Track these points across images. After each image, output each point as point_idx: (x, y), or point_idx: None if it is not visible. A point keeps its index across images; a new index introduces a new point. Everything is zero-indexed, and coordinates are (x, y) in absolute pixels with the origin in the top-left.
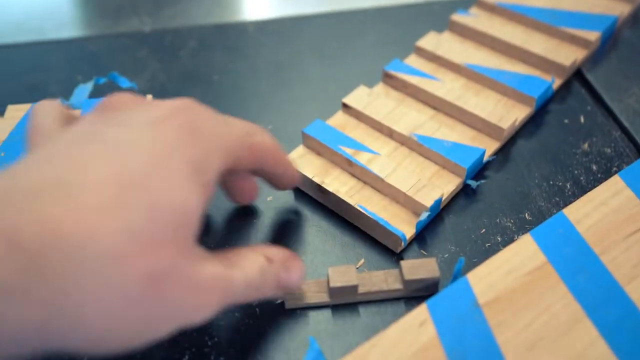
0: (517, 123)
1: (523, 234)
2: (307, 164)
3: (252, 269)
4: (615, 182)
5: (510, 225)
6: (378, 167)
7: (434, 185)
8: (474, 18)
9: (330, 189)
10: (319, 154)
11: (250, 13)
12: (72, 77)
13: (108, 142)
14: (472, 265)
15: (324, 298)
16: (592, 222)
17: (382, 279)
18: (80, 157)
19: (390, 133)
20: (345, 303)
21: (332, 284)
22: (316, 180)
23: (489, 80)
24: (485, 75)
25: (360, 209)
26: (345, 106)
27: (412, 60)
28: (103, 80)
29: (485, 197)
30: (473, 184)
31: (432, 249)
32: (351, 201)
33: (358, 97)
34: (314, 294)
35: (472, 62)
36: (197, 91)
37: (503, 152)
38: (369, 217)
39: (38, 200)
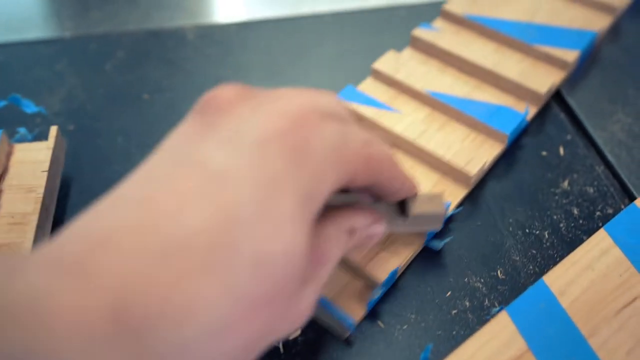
0: (486, 166)
1: (494, 297)
2: None
3: (336, 255)
4: (601, 239)
5: (480, 286)
6: None
7: (391, 253)
8: (437, 33)
9: None
10: None
11: (190, 17)
12: None
13: (208, 168)
14: (437, 344)
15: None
16: (578, 293)
17: (385, 208)
18: (174, 195)
19: None
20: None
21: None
22: None
23: (455, 111)
24: (450, 105)
25: None
26: None
27: (369, 85)
28: (1, 103)
29: (451, 250)
30: (436, 245)
31: (389, 317)
32: None
33: None
34: None
35: (436, 89)
36: (125, 113)
37: (472, 194)
38: None
39: (134, 261)
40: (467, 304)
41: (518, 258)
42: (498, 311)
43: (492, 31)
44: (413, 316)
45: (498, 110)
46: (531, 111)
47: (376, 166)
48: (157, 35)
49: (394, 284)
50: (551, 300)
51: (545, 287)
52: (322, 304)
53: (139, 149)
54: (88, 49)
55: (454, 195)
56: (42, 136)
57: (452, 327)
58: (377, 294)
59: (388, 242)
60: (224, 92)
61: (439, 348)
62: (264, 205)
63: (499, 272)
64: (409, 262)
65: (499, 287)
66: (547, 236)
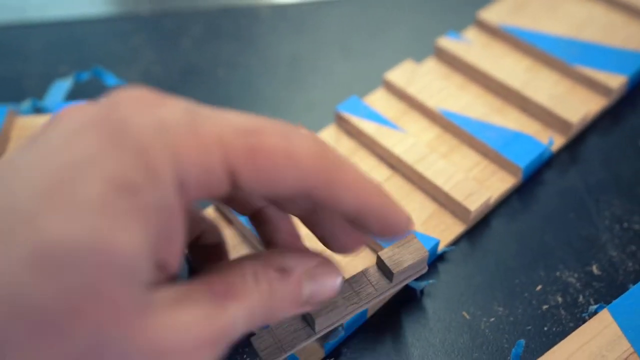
0: (491, 201)
1: (590, 294)
2: None
3: (254, 294)
4: None
5: (574, 281)
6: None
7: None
8: (465, 45)
9: None
10: (230, 221)
11: None
12: (54, 68)
13: (10, 163)
14: (527, 340)
15: (308, 335)
16: None
17: (365, 282)
18: None
19: None
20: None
21: (315, 316)
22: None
23: (467, 135)
24: (463, 128)
25: None
26: None
27: (379, 97)
28: (86, 76)
29: (541, 241)
30: (416, 285)
31: (475, 308)
32: None
33: None
34: (293, 337)
35: (450, 108)
36: (199, 88)
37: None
38: None
39: None
40: (560, 299)
41: (615, 254)
42: (598, 309)
43: (528, 46)
44: (501, 309)
45: (516, 137)
46: (558, 142)
47: (278, 164)
48: (230, 13)
49: (479, 265)
50: None
51: None
52: None
53: None
54: (164, 25)
55: (449, 231)
56: None
57: (543, 323)
58: (337, 336)
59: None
60: (69, 106)
61: (529, 344)
62: (55, 191)
63: (594, 267)
64: (383, 302)
65: (594, 283)
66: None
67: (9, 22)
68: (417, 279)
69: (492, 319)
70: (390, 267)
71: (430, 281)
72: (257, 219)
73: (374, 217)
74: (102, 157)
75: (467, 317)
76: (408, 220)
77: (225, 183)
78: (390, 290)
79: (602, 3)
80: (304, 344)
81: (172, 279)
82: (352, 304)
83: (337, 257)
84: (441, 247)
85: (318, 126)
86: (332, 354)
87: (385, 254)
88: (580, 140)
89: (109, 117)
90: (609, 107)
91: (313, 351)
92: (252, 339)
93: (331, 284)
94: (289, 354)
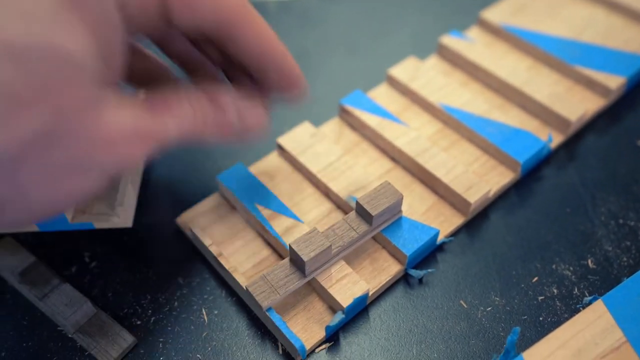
0: (490, 195)
1: (585, 286)
2: (216, 221)
3: (185, 110)
4: None
5: (569, 274)
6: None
7: (363, 276)
8: (468, 43)
9: (227, 265)
10: (234, 207)
11: None
12: None
13: None
14: (523, 329)
15: (298, 278)
16: None
17: (346, 228)
18: None
19: (326, 191)
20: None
21: (305, 258)
22: (213, 250)
23: (468, 130)
24: (464, 123)
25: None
26: (279, 147)
27: (381, 92)
28: None
29: (537, 234)
30: (416, 274)
31: (472, 298)
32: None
33: (296, 139)
34: (286, 281)
35: (452, 104)
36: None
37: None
38: (266, 315)
39: None
40: (555, 291)
41: (611, 248)
42: (592, 300)
43: (529, 46)
44: (497, 299)
45: (516, 134)
46: (557, 139)
47: None
48: None
49: (477, 256)
50: None
51: None
52: (277, 323)
53: None
54: None
55: (448, 223)
56: None
57: (538, 313)
58: (338, 319)
59: (362, 265)
60: None
61: (524, 333)
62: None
63: (589, 261)
64: (383, 289)
65: (589, 276)
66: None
67: None
68: (416, 268)
69: (489, 308)
70: (369, 210)
71: (430, 270)
72: (187, 62)
73: (274, 65)
74: None
75: (465, 305)
76: (301, 76)
77: (159, 11)
78: (371, 233)
79: (602, 6)
80: (296, 285)
81: (116, 85)
82: (338, 247)
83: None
84: (440, 238)
85: (322, 119)
86: (332, 338)
87: (364, 199)
88: (579, 138)
89: None
90: (607, 107)
91: (314, 334)
92: (247, 285)
93: (256, 117)
94: (283, 296)
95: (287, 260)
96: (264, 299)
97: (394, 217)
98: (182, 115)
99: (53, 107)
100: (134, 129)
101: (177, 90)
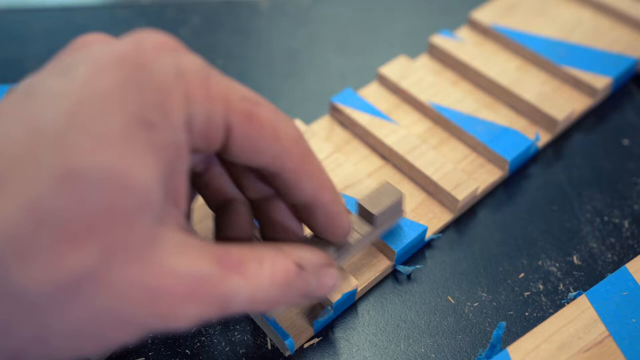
0: (478, 192)
1: (570, 282)
2: (206, 220)
3: (266, 279)
4: None
5: (555, 270)
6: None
7: (348, 272)
8: (458, 43)
9: None
10: None
11: None
12: (52, 53)
13: (34, 91)
14: (509, 324)
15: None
16: None
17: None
18: None
19: None
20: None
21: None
22: None
23: (457, 129)
24: (453, 122)
25: None
26: None
27: (372, 90)
28: None
29: (525, 231)
30: (404, 270)
31: (460, 294)
32: None
33: None
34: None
35: (441, 103)
36: None
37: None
38: None
39: None
40: (541, 286)
41: (595, 245)
42: (576, 296)
43: (518, 46)
44: (484, 294)
45: (504, 132)
46: (544, 138)
47: (265, 134)
48: (231, 5)
49: (465, 253)
50: (635, 289)
51: (629, 275)
52: (266, 319)
53: None
54: (164, 14)
55: (437, 219)
56: None
57: (524, 308)
58: (326, 315)
59: (351, 261)
60: (88, 35)
61: (510, 328)
62: (84, 119)
63: (575, 257)
64: (371, 285)
65: (574, 272)
66: (627, 225)
67: (10, 6)
68: (404, 264)
69: (476, 304)
70: (370, 210)
71: (418, 266)
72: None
73: (324, 211)
74: (126, 92)
75: (452, 301)
76: (349, 227)
77: (220, 137)
78: (373, 234)
79: (590, 7)
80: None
81: (181, 221)
82: (343, 252)
83: None
84: (429, 235)
85: (313, 116)
86: (321, 333)
87: (364, 199)
88: (566, 137)
89: (134, 56)
90: (593, 106)
91: (303, 329)
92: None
93: (331, 284)
94: (287, 307)
95: None
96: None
97: (396, 216)
98: (257, 282)
99: (105, 245)
100: (192, 281)
101: (261, 249)
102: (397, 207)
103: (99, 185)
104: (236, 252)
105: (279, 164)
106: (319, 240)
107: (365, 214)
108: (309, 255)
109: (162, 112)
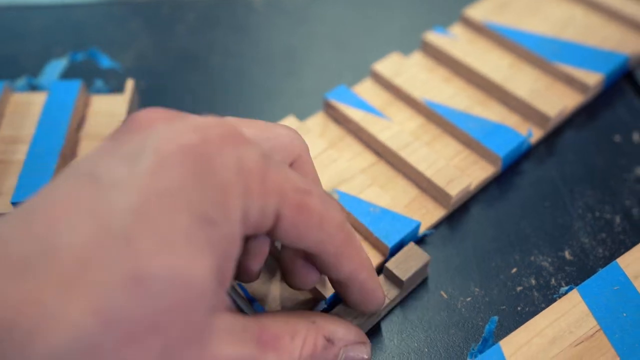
0: (471, 188)
1: (562, 277)
2: None
3: (297, 352)
4: None
5: (547, 265)
6: None
7: None
8: (451, 40)
9: None
10: None
11: None
12: (49, 49)
13: (99, 181)
14: (501, 318)
15: None
16: None
17: None
18: (60, 208)
19: None
20: None
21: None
22: None
23: (450, 125)
24: (446, 118)
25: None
26: None
27: (366, 87)
28: (80, 56)
29: (517, 227)
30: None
31: (452, 289)
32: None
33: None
34: None
35: (434, 99)
36: (192, 75)
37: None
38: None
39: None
40: (533, 281)
41: (587, 240)
42: (568, 290)
43: (511, 43)
44: (477, 290)
45: (497, 129)
46: (536, 134)
47: (312, 223)
48: (227, 2)
49: (458, 248)
50: (626, 284)
51: (620, 270)
52: (260, 311)
53: (206, 109)
54: (159, 11)
55: (430, 215)
56: (115, 91)
57: (516, 303)
58: (320, 309)
59: None
60: (148, 113)
61: (502, 323)
62: (150, 217)
63: (566, 253)
64: None
65: (566, 267)
66: (618, 221)
67: (7, 3)
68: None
69: (469, 299)
70: (399, 276)
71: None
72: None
73: (359, 288)
74: (190, 189)
75: (445, 296)
76: (382, 302)
77: (270, 225)
78: (400, 296)
79: (582, 5)
80: None
81: (226, 301)
82: (371, 318)
83: None
84: (422, 230)
85: (307, 113)
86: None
87: (392, 264)
88: (558, 133)
89: (199, 149)
90: (585, 103)
91: None
92: None
93: (362, 350)
94: None
95: None
96: None
97: (421, 277)
98: (289, 355)
99: (166, 340)
100: None
101: (295, 322)
102: (423, 270)
103: (164, 287)
104: (273, 327)
105: (321, 247)
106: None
107: (392, 278)
108: (342, 331)
109: (223, 209)
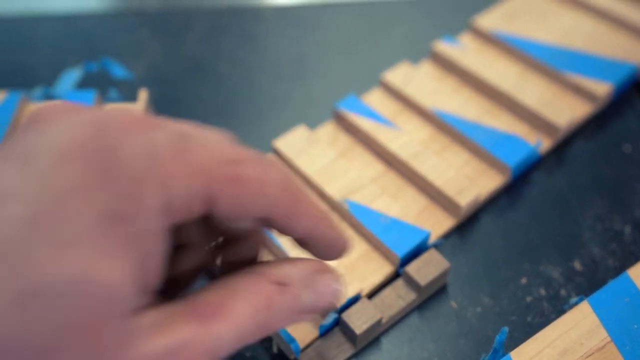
0: (480, 198)
1: (571, 288)
2: None
3: (248, 310)
4: None
5: (557, 275)
6: (289, 242)
7: (353, 277)
8: (460, 50)
9: None
10: None
11: None
12: (62, 58)
13: None
14: (511, 329)
15: (349, 350)
16: None
17: (395, 296)
18: None
19: (321, 193)
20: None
21: (357, 330)
22: None
23: (459, 135)
24: (455, 128)
25: None
26: (275, 150)
27: (375, 96)
28: (94, 66)
29: (527, 237)
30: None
31: (462, 299)
32: None
33: (292, 142)
34: (337, 351)
35: (444, 109)
36: (203, 84)
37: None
38: None
39: None
40: (543, 292)
41: (597, 251)
42: (578, 301)
43: (519, 52)
44: (487, 300)
45: (506, 138)
46: (546, 144)
47: (251, 192)
48: (236, 12)
49: (468, 258)
50: (636, 295)
51: (630, 281)
52: None
53: (217, 119)
54: (169, 21)
55: (439, 225)
56: (127, 100)
57: (526, 313)
58: (331, 319)
59: (355, 266)
60: (48, 108)
61: (512, 334)
62: (46, 223)
63: (576, 263)
64: (375, 290)
65: (576, 278)
66: (628, 231)
67: (18, 14)
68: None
69: (479, 309)
70: (418, 281)
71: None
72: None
73: (320, 243)
74: (92, 187)
75: (455, 306)
76: (347, 245)
77: (203, 207)
78: (417, 301)
79: (590, 14)
80: (347, 356)
81: (153, 298)
82: (387, 319)
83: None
84: (432, 240)
85: (317, 122)
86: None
87: (412, 268)
88: (567, 143)
89: (100, 142)
90: (594, 113)
91: (308, 333)
92: (299, 358)
93: (331, 291)
94: None
95: (337, 330)
96: None
97: (439, 284)
98: (240, 317)
99: (75, 356)
100: (174, 352)
101: (233, 283)
102: (442, 277)
103: (63, 298)
104: (211, 297)
105: (269, 213)
106: None
107: (411, 282)
108: (291, 269)
109: (135, 202)
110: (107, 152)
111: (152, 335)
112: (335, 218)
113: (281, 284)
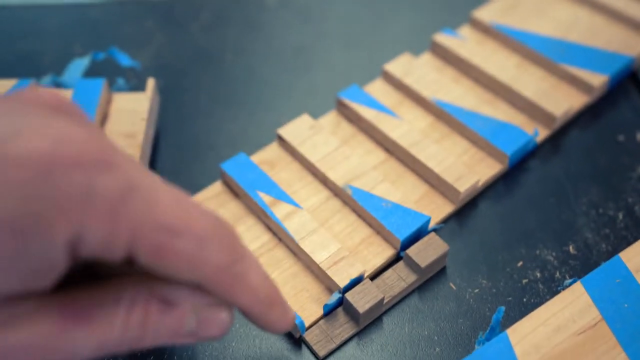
0: (479, 185)
1: (566, 270)
2: (219, 208)
3: (116, 322)
4: None
5: (552, 259)
6: (295, 226)
7: (355, 259)
8: (460, 41)
9: None
10: (236, 194)
11: None
12: (69, 47)
13: None
14: (507, 309)
15: (352, 328)
16: None
17: (396, 278)
18: None
19: (324, 179)
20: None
21: (360, 310)
22: None
23: (458, 124)
24: (455, 117)
25: None
26: (279, 138)
27: (377, 87)
28: (101, 55)
29: (523, 223)
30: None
31: (461, 280)
32: None
33: (296, 130)
34: (341, 329)
35: (443, 99)
36: (207, 72)
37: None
38: None
39: None
40: (538, 274)
41: (591, 236)
42: (572, 283)
43: (518, 44)
44: (484, 282)
45: (504, 127)
46: (542, 134)
47: (177, 266)
48: (240, 2)
49: (466, 242)
50: (627, 277)
51: (622, 264)
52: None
53: (221, 107)
54: (174, 10)
55: (439, 210)
56: (134, 89)
57: (522, 294)
58: (335, 298)
59: (357, 249)
60: (28, 92)
61: (509, 313)
62: None
63: (571, 247)
64: (377, 272)
65: (570, 261)
66: (621, 217)
67: (25, 3)
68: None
69: (477, 290)
70: (418, 263)
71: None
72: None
73: (256, 321)
74: (10, 195)
75: (454, 288)
76: (287, 326)
77: (124, 256)
78: (417, 282)
79: (587, 7)
80: (351, 334)
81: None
82: (389, 299)
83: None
84: (431, 225)
85: (319, 110)
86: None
87: (412, 251)
88: (563, 133)
89: (44, 163)
90: (590, 103)
91: (312, 312)
92: (305, 335)
93: (218, 323)
94: (337, 345)
95: (340, 309)
96: (321, 349)
97: (439, 266)
98: (106, 328)
99: None
100: (19, 357)
101: (118, 289)
102: (441, 259)
103: None
104: (86, 298)
105: (200, 284)
106: None
107: (411, 264)
108: (185, 292)
109: (44, 226)
110: (42, 178)
111: (13, 327)
112: (338, 203)
113: (168, 303)
